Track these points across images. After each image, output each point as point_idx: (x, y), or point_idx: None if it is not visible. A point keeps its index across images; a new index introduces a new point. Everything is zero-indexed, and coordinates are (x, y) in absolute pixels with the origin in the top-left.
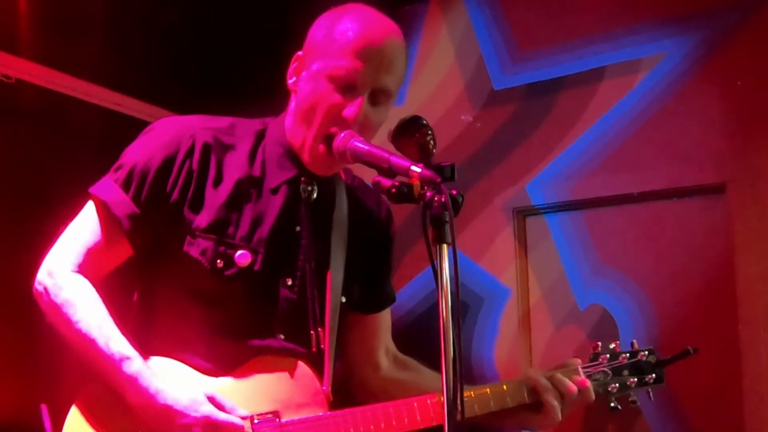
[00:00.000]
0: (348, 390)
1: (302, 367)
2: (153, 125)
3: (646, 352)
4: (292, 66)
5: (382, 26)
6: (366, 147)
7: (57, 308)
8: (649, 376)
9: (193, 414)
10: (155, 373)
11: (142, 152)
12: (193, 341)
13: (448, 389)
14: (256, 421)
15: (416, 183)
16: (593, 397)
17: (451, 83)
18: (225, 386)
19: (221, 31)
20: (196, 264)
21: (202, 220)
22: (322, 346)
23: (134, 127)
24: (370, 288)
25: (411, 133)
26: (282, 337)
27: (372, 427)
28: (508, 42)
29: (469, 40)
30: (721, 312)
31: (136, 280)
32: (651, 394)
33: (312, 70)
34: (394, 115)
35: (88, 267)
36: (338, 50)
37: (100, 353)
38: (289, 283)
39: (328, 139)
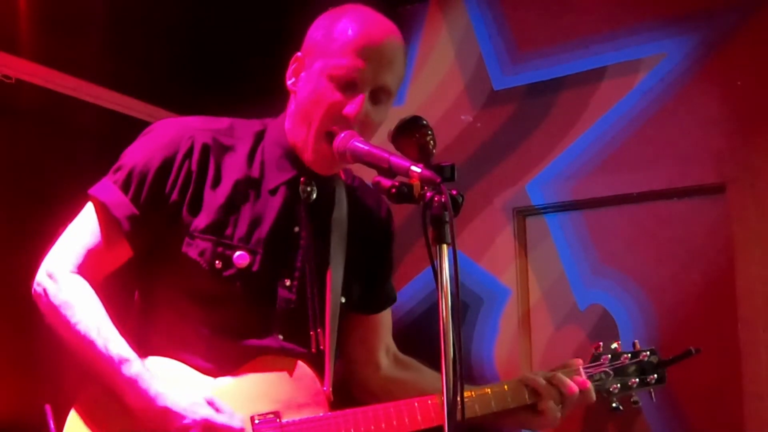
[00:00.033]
0: (349, 390)
1: (303, 368)
2: (152, 126)
3: (648, 353)
4: (291, 67)
5: (381, 26)
6: (366, 147)
7: (56, 309)
8: (651, 376)
9: (192, 417)
10: (154, 375)
11: (141, 153)
12: (192, 341)
13: (449, 389)
14: (256, 421)
15: (416, 183)
16: (594, 397)
17: (451, 83)
18: (225, 386)
19: (221, 31)
20: (194, 265)
21: (201, 221)
22: (322, 346)
23: (134, 127)
24: (370, 288)
25: (411, 133)
26: (280, 337)
27: (373, 428)
28: (508, 42)
29: (468, 40)
30: (721, 312)
31: (135, 281)
32: (653, 394)
33: (312, 70)
34: (394, 115)
35: (87, 268)
36: (338, 49)
37: (99, 355)
38: (288, 283)
39: (329, 137)
